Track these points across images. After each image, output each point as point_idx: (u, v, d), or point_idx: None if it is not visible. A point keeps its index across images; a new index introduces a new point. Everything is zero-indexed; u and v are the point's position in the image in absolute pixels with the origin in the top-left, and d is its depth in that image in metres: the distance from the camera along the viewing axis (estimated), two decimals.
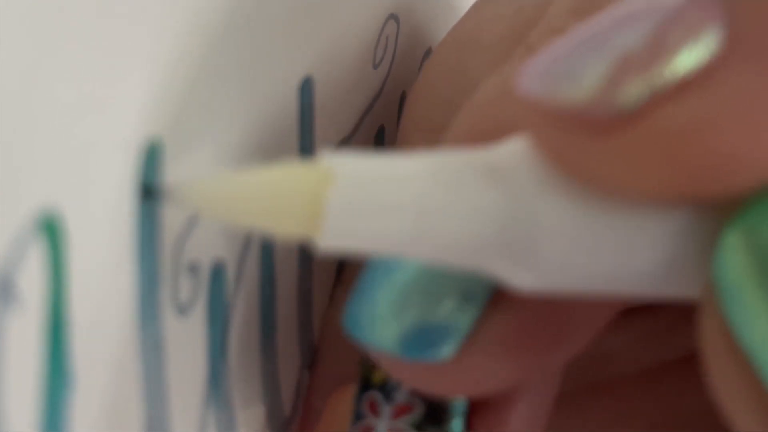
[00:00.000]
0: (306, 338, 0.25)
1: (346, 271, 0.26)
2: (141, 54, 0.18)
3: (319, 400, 0.24)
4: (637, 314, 0.24)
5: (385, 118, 0.27)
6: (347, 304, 0.20)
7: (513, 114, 0.19)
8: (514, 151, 0.18)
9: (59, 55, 0.16)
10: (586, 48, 0.17)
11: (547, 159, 0.17)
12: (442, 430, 0.21)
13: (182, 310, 0.20)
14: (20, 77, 0.15)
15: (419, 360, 0.19)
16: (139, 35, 0.18)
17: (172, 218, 0.19)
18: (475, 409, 0.21)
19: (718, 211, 0.17)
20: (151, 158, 0.18)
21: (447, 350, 0.19)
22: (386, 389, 0.22)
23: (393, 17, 0.26)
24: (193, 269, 0.20)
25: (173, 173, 0.19)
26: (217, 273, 0.21)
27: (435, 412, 0.22)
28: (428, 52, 0.29)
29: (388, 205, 0.18)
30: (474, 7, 0.25)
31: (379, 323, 0.20)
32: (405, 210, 0.18)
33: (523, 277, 0.18)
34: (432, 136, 0.23)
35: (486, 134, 0.19)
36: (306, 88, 0.23)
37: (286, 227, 0.18)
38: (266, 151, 0.22)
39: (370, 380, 0.22)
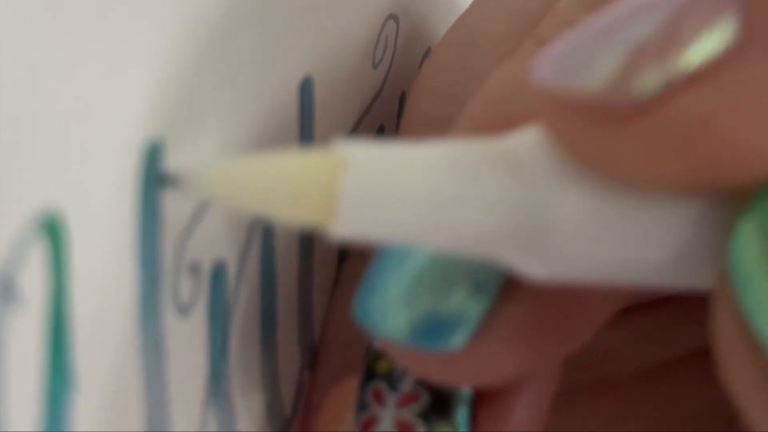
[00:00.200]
0: (306, 338, 0.25)
1: (345, 270, 0.26)
2: (141, 54, 0.18)
3: (320, 396, 0.24)
4: (637, 313, 0.24)
5: (384, 117, 0.27)
6: (357, 293, 0.20)
7: (525, 105, 0.19)
8: (528, 141, 0.18)
9: (60, 55, 0.16)
10: (600, 38, 0.17)
11: (562, 149, 0.17)
12: (448, 419, 0.21)
13: (183, 310, 0.20)
14: (21, 77, 0.15)
15: (430, 349, 0.19)
16: (139, 35, 0.18)
17: (173, 218, 0.19)
18: (480, 398, 0.21)
19: (732, 200, 0.17)
20: (152, 158, 0.18)
21: (457, 340, 0.19)
22: (391, 379, 0.22)
23: (392, 17, 0.26)
24: (194, 269, 0.20)
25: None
26: (218, 273, 0.21)
27: (440, 401, 0.22)
28: (428, 52, 0.29)
29: (403, 194, 0.18)
30: (476, 2, 0.25)
31: (390, 312, 0.19)
32: (419, 199, 0.18)
33: (536, 266, 0.18)
34: (434, 131, 0.23)
35: (497, 125, 0.19)
36: (306, 88, 0.23)
37: (299, 215, 0.18)
38: (266, 151, 0.22)
39: (375, 370, 0.22)
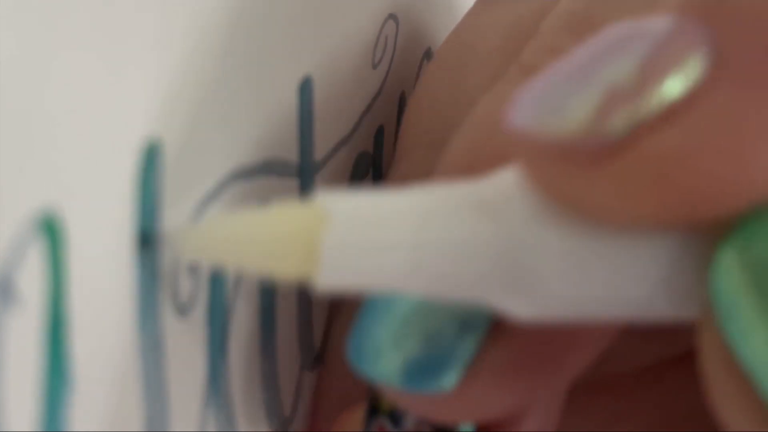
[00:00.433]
0: (306, 339, 0.25)
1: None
2: (141, 54, 0.18)
3: (327, 413, 0.25)
4: None
5: (384, 117, 0.27)
6: (349, 337, 0.20)
7: (503, 145, 0.19)
8: (505, 183, 0.18)
9: (59, 55, 0.16)
10: (573, 81, 0.17)
11: (539, 190, 0.17)
12: None
13: (182, 310, 0.20)
14: (20, 77, 0.15)
15: (422, 391, 0.20)
16: (139, 36, 0.18)
17: (172, 218, 0.19)
18: (483, 431, 0.21)
19: (711, 231, 0.17)
20: (151, 158, 0.18)
21: (449, 380, 0.19)
22: (394, 415, 0.22)
23: (392, 17, 0.26)
24: (193, 269, 0.20)
25: (173, 173, 0.19)
26: (217, 273, 0.21)
27: None
28: (427, 52, 0.29)
29: (384, 243, 0.18)
30: (469, 15, 0.25)
31: (381, 356, 0.20)
32: (400, 247, 0.18)
33: (520, 307, 0.18)
34: (431, 153, 0.23)
35: (478, 164, 0.19)
36: (305, 88, 0.23)
37: (283, 269, 0.18)
38: (266, 151, 0.22)
39: (379, 406, 0.22)
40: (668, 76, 0.16)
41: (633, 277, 0.17)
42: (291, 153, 0.23)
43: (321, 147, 0.24)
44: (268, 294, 0.23)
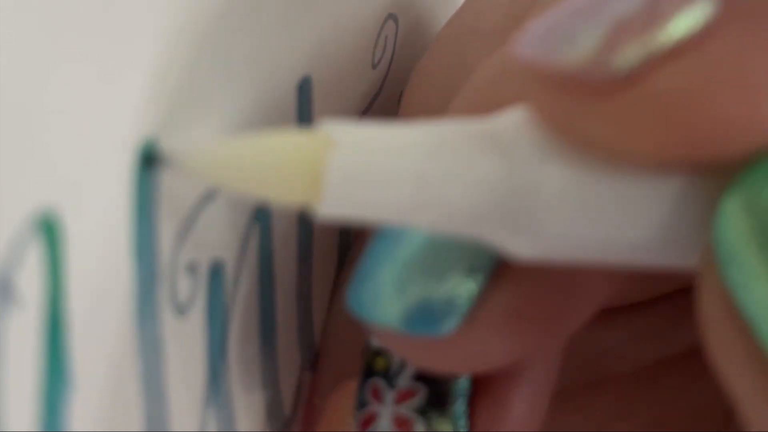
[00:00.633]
0: (306, 338, 0.25)
1: (345, 274, 0.26)
2: (138, 54, 0.18)
3: (321, 399, 0.24)
4: (634, 312, 0.24)
5: (383, 118, 0.27)
6: (350, 283, 0.20)
7: (511, 90, 0.19)
8: (513, 120, 0.18)
9: (55, 54, 0.16)
10: (582, 14, 0.17)
11: (546, 125, 0.17)
12: (446, 413, 0.22)
13: (181, 309, 0.20)
14: (18, 77, 0.15)
15: (423, 335, 0.20)
16: (136, 35, 0.18)
17: (170, 217, 0.19)
18: (478, 391, 0.21)
19: (716, 175, 0.17)
20: (148, 158, 0.18)
21: (450, 325, 0.19)
22: (389, 375, 0.22)
23: (392, 17, 0.26)
24: (192, 269, 0.20)
25: (171, 173, 0.19)
26: (216, 272, 0.21)
27: (438, 395, 0.22)
28: None
29: (388, 174, 0.18)
30: None
31: (383, 300, 0.20)
32: (405, 178, 0.18)
33: (521, 245, 0.18)
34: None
35: (486, 109, 0.19)
36: (304, 88, 0.23)
37: (285, 195, 0.18)
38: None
39: (373, 367, 0.22)
40: (678, 13, 0.16)
41: (635, 219, 0.17)
42: None
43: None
44: (267, 293, 0.23)
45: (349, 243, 0.27)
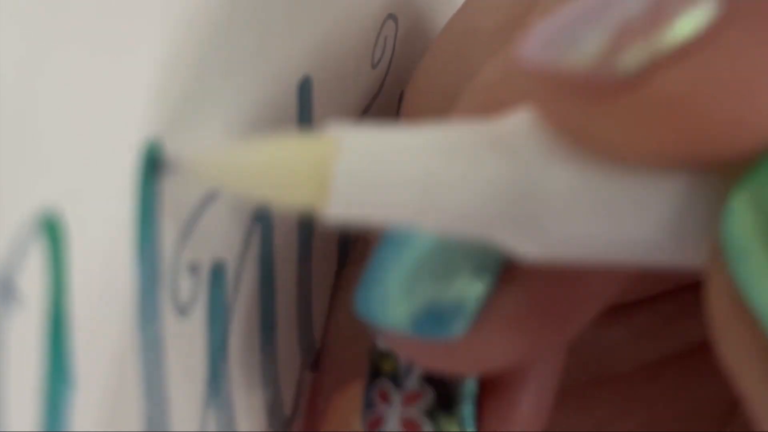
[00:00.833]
0: (306, 338, 0.25)
1: (346, 276, 0.26)
2: (140, 54, 0.18)
3: (325, 399, 0.24)
4: (635, 309, 0.24)
5: (383, 118, 0.27)
6: (358, 285, 0.20)
7: (515, 92, 0.19)
8: (518, 122, 0.18)
9: (59, 55, 0.16)
10: (586, 17, 0.17)
11: (551, 127, 0.17)
12: (453, 415, 0.22)
13: (182, 310, 0.20)
14: (20, 77, 0.15)
15: (431, 338, 0.20)
16: (137, 35, 0.18)
17: (172, 218, 0.19)
18: (485, 393, 0.21)
19: (722, 174, 0.17)
20: (151, 158, 0.18)
21: (459, 327, 0.19)
22: (396, 377, 0.22)
23: (392, 17, 0.26)
24: (193, 269, 0.20)
25: (174, 175, 0.19)
26: (217, 273, 0.21)
27: (445, 397, 0.22)
28: None
29: (396, 176, 0.18)
30: None
31: (391, 303, 0.20)
32: (412, 181, 0.18)
33: (529, 246, 0.18)
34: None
35: (490, 112, 0.19)
36: (305, 88, 0.23)
37: (293, 198, 0.18)
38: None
39: (380, 369, 0.22)
40: (680, 14, 0.16)
41: (641, 218, 0.17)
42: None
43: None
44: (267, 294, 0.23)
45: (349, 244, 0.27)
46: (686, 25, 0.16)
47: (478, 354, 0.20)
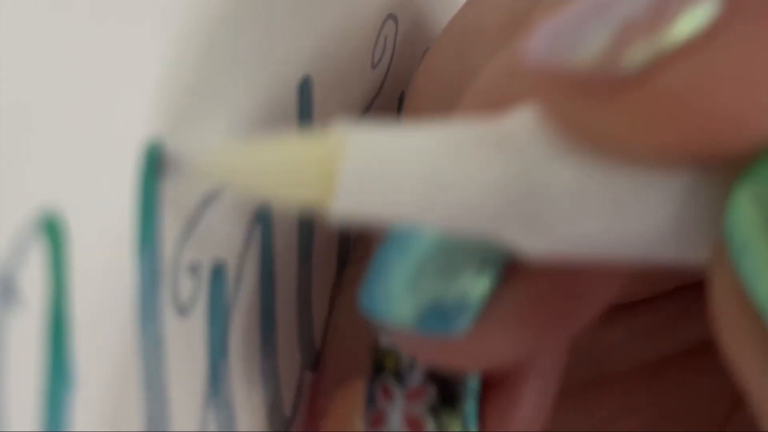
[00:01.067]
0: (306, 338, 0.25)
1: (346, 276, 0.26)
2: (141, 54, 0.18)
3: (326, 398, 0.25)
4: (637, 309, 0.24)
5: (383, 118, 0.27)
6: (363, 282, 0.20)
7: (519, 90, 0.19)
8: (522, 119, 0.18)
9: (60, 55, 0.16)
10: (590, 15, 0.17)
11: (555, 124, 0.18)
12: (456, 411, 0.22)
13: (182, 310, 0.20)
14: (20, 77, 0.15)
15: (435, 334, 0.20)
16: (139, 35, 0.18)
17: (173, 218, 0.19)
18: (488, 389, 0.22)
19: (724, 170, 0.17)
20: (152, 158, 0.18)
21: (463, 323, 0.20)
22: (399, 374, 0.22)
23: (392, 17, 0.26)
24: (194, 269, 0.20)
25: (175, 174, 0.19)
26: (218, 273, 0.21)
27: (448, 393, 0.22)
28: (427, 52, 0.29)
29: (401, 174, 0.18)
30: None
31: (395, 300, 0.20)
32: (417, 180, 0.18)
33: (533, 242, 0.18)
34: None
35: (494, 110, 0.19)
36: (305, 88, 0.23)
37: (298, 196, 0.18)
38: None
39: (383, 365, 0.22)
40: (683, 12, 0.17)
41: (645, 214, 0.17)
42: None
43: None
44: (268, 294, 0.23)
45: (349, 244, 0.27)
46: (688, 22, 0.16)
47: (482, 350, 0.20)
